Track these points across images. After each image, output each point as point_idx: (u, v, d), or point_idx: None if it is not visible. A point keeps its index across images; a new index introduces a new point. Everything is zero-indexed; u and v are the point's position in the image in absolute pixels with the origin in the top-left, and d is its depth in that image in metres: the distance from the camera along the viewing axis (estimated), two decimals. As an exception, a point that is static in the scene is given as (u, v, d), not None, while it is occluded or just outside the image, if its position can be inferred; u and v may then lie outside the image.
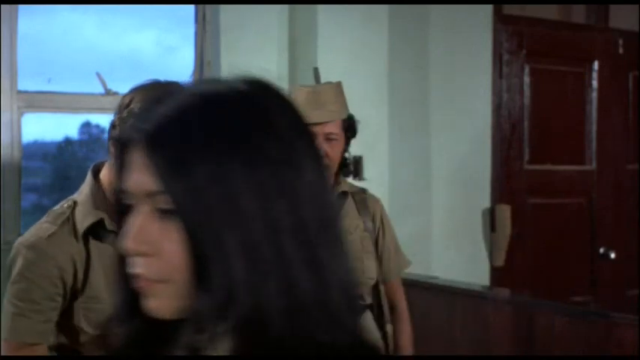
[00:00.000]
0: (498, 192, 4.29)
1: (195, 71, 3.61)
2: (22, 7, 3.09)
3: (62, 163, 3.47)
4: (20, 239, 1.72)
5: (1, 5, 2.99)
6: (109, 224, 1.71)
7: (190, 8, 3.59)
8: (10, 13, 3.05)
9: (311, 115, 2.34)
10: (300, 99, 2.38)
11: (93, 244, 1.72)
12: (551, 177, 4.48)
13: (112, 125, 1.69)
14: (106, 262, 1.72)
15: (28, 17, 3.12)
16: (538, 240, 4.38)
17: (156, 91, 1.64)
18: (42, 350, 1.69)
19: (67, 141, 3.44)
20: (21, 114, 3.11)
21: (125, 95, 1.70)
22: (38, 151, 3.39)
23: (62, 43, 3.26)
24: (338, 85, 2.44)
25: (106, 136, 1.84)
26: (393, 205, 3.83)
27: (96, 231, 1.73)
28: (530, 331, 2.95)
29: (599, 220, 4.57)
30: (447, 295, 3.35)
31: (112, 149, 1.70)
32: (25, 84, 3.12)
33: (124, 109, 1.67)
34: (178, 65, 3.62)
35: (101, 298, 1.70)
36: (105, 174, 1.76)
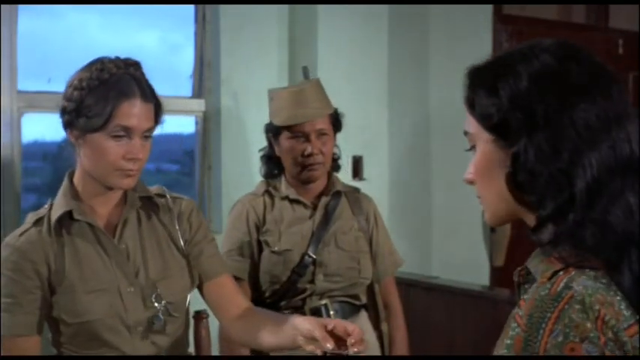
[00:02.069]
0: (498, 192, 4.29)
1: (195, 71, 3.61)
2: (24, 7, 3.09)
3: (62, 163, 3.46)
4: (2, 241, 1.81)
5: (1, 5, 2.99)
6: (77, 214, 1.77)
7: (192, 8, 3.59)
8: (10, 13, 3.05)
9: (300, 114, 2.34)
10: (283, 101, 2.37)
11: (66, 236, 1.78)
12: (551, 177, 4.47)
13: (61, 112, 1.75)
14: (79, 251, 1.76)
15: (30, 17, 3.12)
16: (538, 240, 4.37)
17: (90, 63, 1.73)
18: (31, 342, 1.75)
19: (67, 141, 3.43)
20: (21, 114, 3.11)
21: (69, 78, 1.77)
22: (38, 151, 3.39)
23: (65, 42, 3.27)
24: (318, 82, 2.44)
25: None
26: (393, 205, 3.83)
27: (68, 224, 1.79)
28: (530, 331, 2.96)
29: (599, 220, 4.56)
30: (447, 295, 3.36)
31: (72, 138, 1.76)
32: (25, 84, 3.12)
33: (67, 89, 1.74)
34: (182, 64, 3.62)
35: (76, 286, 1.75)
36: (77, 176, 1.82)
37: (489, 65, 1.15)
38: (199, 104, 3.59)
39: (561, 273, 1.03)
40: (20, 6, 3.08)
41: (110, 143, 1.71)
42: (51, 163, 3.49)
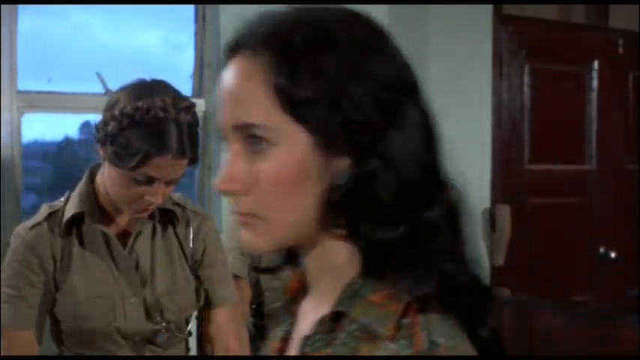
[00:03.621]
0: (498, 192, 4.29)
1: (195, 71, 3.61)
2: (25, 6, 3.09)
3: (62, 163, 3.47)
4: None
5: (1, 5, 2.99)
6: (89, 219, 1.75)
7: (193, 7, 3.59)
8: (10, 13, 3.04)
9: None
10: None
11: (76, 236, 1.77)
12: (551, 177, 4.48)
13: (96, 128, 1.69)
14: (87, 255, 1.74)
15: (31, 17, 3.12)
16: (538, 240, 4.38)
17: (141, 90, 1.67)
18: (27, 336, 1.74)
19: (67, 141, 3.44)
20: (21, 114, 3.11)
21: (112, 95, 1.70)
22: (38, 151, 3.39)
23: (67, 42, 3.26)
24: None
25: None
26: (393, 205, 3.83)
27: (79, 225, 1.77)
28: (530, 332, 2.96)
29: (599, 220, 4.56)
30: (447, 295, 3.35)
31: (101, 152, 1.70)
32: (25, 84, 3.12)
33: (107, 110, 1.66)
34: (185, 63, 3.62)
35: (78, 290, 1.75)
36: (100, 177, 1.77)
37: (312, 39, 0.80)
38: (199, 104, 3.59)
39: (405, 320, 0.79)
40: (21, 6, 3.08)
41: (132, 184, 1.66)
42: (51, 163, 3.49)
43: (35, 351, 1.76)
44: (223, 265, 1.94)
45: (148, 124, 1.60)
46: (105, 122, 1.66)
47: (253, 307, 2.43)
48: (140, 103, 1.61)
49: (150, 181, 1.65)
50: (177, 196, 1.89)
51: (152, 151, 1.61)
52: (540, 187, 4.44)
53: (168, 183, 1.69)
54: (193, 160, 1.71)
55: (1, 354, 1.74)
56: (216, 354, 1.92)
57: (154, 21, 3.50)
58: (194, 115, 1.68)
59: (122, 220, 1.80)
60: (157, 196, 1.68)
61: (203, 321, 1.96)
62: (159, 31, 3.59)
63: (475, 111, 4.22)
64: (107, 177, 1.71)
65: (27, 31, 3.11)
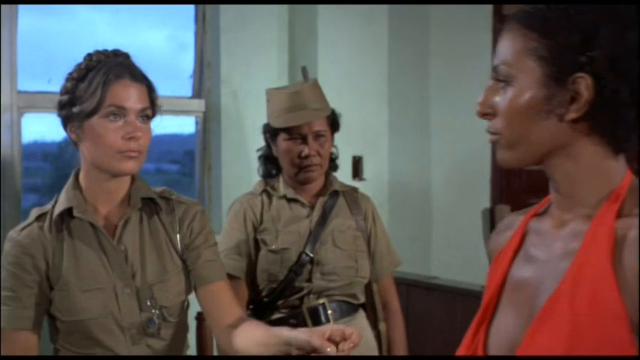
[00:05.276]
0: (498, 192, 4.29)
1: (195, 71, 3.62)
2: (27, 6, 3.10)
3: (62, 163, 3.47)
4: None
5: (1, 5, 3.00)
6: (78, 212, 1.78)
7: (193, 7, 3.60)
8: (10, 13, 3.05)
9: (298, 116, 2.34)
10: (280, 102, 2.37)
11: (66, 233, 1.80)
12: (551, 177, 4.48)
13: (59, 104, 1.77)
14: (78, 249, 1.76)
15: (32, 16, 3.12)
16: (538, 240, 4.38)
17: (85, 59, 1.76)
18: (29, 336, 1.76)
19: (67, 141, 3.43)
20: (21, 114, 3.12)
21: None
22: (38, 151, 3.39)
23: (70, 42, 3.27)
24: (315, 83, 2.44)
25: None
26: (392, 205, 3.84)
27: (69, 221, 1.80)
28: (529, 331, 2.96)
29: (599, 220, 4.56)
30: (447, 295, 3.36)
31: (72, 135, 1.77)
32: (25, 84, 3.13)
33: (63, 84, 1.77)
34: (187, 63, 3.62)
35: (72, 284, 1.76)
36: (82, 173, 1.83)
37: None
38: (199, 104, 3.59)
39: None
40: (21, 5, 3.09)
41: (107, 125, 1.72)
42: (51, 163, 3.50)
43: (34, 352, 1.77)
44: (213, 246, 1.95)
45: (94, 67, 1.75)
46: (62, 93, 1.76)
47: (251, 307, 2.43)
48: (82, 60, 1.77)
49: (122, 113, 1.72)
50: (162, 189, 1.92)
51: (108, 81, 1.72)
52: (540, 187, 4.44)
53: (142, 120, 1.75)
54: (151, 92, 1.79)
55: (1, 356, 1.75)
56: (218, 324, 1.89)
57: (158, 20, 3.51)
58: (132, 61, 1.81)
59: (108, 212, 1.82)
60: (134, 129, 1.73)
61: (199, 301, 1.93)
62: (164, 30, 3.60)
63: (475, 111, 4.22)
64: (86, 148, 1.76)
65: (27, 31, 3.12)
